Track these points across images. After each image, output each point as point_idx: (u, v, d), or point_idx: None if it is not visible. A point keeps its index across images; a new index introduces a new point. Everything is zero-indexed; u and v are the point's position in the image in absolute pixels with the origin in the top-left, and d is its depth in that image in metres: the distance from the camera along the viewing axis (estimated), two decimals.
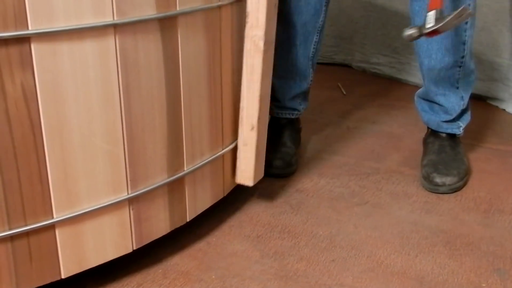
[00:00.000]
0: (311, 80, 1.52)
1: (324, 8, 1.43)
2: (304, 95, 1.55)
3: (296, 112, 1.54)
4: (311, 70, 1.50)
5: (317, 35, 1.46)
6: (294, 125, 1.55)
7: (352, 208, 1.30)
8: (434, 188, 1.36)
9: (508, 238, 1.18)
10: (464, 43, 1.36)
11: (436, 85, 1.42)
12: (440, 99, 1.43)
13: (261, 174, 1.26)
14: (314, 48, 1.47)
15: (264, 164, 1.27)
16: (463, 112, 1.46)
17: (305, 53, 1.46)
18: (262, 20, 1.11)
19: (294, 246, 1.15)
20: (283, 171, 1.43)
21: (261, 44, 1.13)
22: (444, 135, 1.47)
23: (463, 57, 1.37)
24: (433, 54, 1.38)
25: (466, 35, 1.35)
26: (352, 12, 2.35)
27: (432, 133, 1.49)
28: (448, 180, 1.35)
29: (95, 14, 0.86)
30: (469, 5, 1.31)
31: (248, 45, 1.14)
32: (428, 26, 1.17)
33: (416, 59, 1.45)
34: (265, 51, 1.14)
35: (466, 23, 1.34)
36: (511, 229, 1.21)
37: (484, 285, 1.04)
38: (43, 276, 0.91)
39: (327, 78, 2.21)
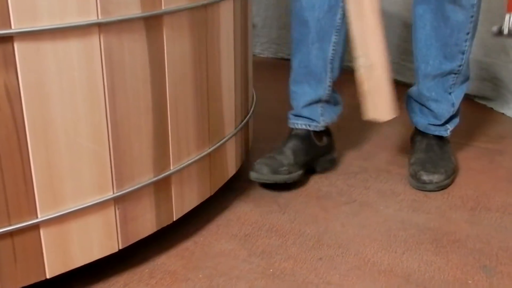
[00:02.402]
0: (329, 86, 1.38)
1: (341, 5, 1.30)
2: (325, 104, 1.41)
3: (314, 124, 1.41)
4: (329, 74, 1.36)
5: (336, 35, 1.33)
6: (308, 139, 1.41)
7: (340, 207, 1.30)
8: (421, 186, 1.36)
9: (495, 236, 1.18)
10: (463, 53, 1.34)
11: (429, 90, 1.40)
12: (432, 104, 1.41)
13: (394, 112, 1.17)
14: (333, 49, 1.34)
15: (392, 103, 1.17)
16: (452, 117, 1.44)
17: (320, 54, 1.34)
18: None
19: (281, 245, 1.16)
20: (263, 177, 1.31)
21: None
22: (431, 135, 1.46)
23: (460, 65, 1.36)
24: (431, 61, 1.37)
25: (466, 45, 1.33)
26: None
27: (420, 132, 1.49)
28: (435, 178, 1.35)
29: (79, 13, 0.85)
30: (471, 16, 1.30)
31: None
32: (506, 29, 1.17)
33: (413, 62, 1.42)
34: None
35: (468, 33, 1.32)
36: (498, 226, 1.22)
37: (470, 282, 1.04)
38: (28, 276, 0.91)
39: None
